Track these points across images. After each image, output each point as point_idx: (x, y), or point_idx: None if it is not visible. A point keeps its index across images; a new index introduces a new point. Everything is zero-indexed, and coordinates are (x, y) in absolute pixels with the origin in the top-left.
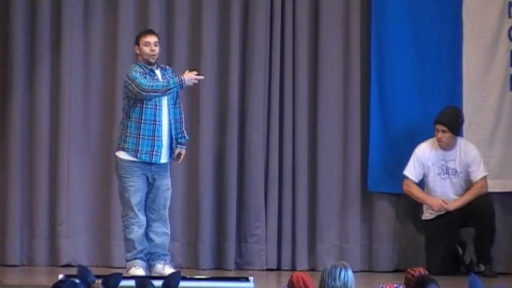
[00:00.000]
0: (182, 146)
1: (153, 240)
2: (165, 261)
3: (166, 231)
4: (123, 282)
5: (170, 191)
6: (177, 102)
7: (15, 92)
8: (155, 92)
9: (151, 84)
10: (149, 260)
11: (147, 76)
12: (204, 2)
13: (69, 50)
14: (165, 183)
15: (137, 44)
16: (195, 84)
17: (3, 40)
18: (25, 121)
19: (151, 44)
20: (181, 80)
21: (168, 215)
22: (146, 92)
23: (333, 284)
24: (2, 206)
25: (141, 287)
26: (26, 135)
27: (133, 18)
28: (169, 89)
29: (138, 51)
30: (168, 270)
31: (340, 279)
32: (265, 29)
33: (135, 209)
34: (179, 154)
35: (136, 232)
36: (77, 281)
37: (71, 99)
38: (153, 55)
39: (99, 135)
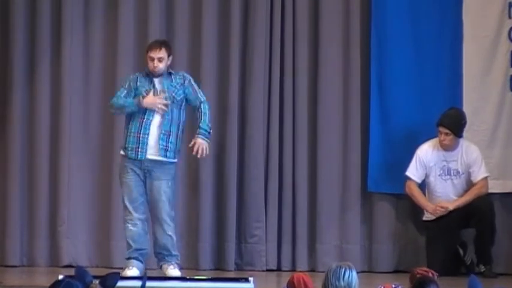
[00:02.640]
0: (199, 136)
1: (156, 241)
2: (170, 262)
3: (168, 233)
4: (120, 283)
5: (164, 194)
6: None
7: (15, 92)
8: (112, 109)
9: (113, 100)
10: (157, 260)
11: (135, 85)
12: (204, 2)
13: (69, 50)
14: (156, 185)
15: (147, 53)
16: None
17: (3, 40)
18: (25, 121)
19: (154, 60)
20: (139, 102)
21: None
22: (109, 106)
23: (337, 283)
24: (2, 206)
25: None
26: (26, 136)
27: (133, 18)
28: (125, 107)
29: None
30: (171, 271)
31: (345, 279)
32: (265, 29)
33: (129, 206)
34: (194, 144)
35: (130, 231)
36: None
37: (71, 99)
38: (154, 71)
39: (100, 135)
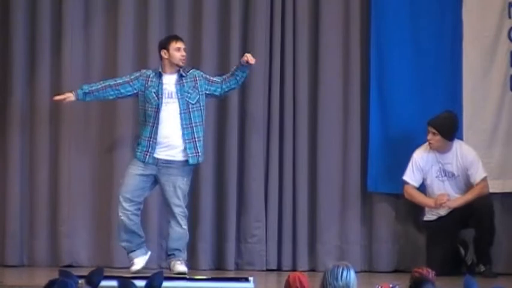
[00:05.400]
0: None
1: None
2: (178, 257)
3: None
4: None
5: (180, 190)
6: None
7: (15, 91)
8: None
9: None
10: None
11: (147, 84)
12: (204, 2)
13: (70, 50)
14: (172, 180)
15: (165, 48)
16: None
17: (3, 40)
18: (25, 121)
19: (181, 50)
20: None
21: None
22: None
23: (335, 283)
24: (2, 206)
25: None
26: (26, 135)
27: (133, 18)
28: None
29: (166, 56)
30: (178, 266)
31: (343, 279)
32: (265, 29)
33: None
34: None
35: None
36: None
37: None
38: (182, 60)
39: (100, 135)
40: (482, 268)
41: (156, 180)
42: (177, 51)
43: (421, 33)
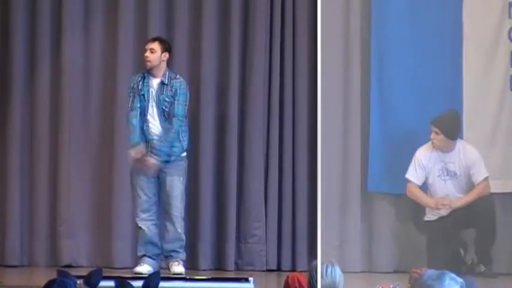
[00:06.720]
0: (153, 156)
1: (165, 238)
2: (175, 258)
3: (178, 231)
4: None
5: (177, 189)
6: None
7: (15, 92)
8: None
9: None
10: (164, 257)
11: (135, 89)
12: (204, 2)
13: (69, 50)
14: (169, 180)
15: None
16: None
17: (3, 40)
18: (25, 122)
19: (147, 51)
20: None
21: None
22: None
23: (320, 280)
24: (2, 206)
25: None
26: (26, 136)
27: (133, 19)
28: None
29: None
30: (175, 268)
31: (328, 275)
32: (265, 29)
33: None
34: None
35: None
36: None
37: (71, 100)
38: (146, 61)
39: (100, 135)
40: (482, 268)
41: (159, 182)
42: (145, 52)
43: (421, 32)
